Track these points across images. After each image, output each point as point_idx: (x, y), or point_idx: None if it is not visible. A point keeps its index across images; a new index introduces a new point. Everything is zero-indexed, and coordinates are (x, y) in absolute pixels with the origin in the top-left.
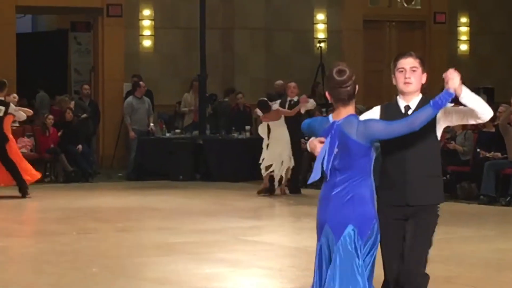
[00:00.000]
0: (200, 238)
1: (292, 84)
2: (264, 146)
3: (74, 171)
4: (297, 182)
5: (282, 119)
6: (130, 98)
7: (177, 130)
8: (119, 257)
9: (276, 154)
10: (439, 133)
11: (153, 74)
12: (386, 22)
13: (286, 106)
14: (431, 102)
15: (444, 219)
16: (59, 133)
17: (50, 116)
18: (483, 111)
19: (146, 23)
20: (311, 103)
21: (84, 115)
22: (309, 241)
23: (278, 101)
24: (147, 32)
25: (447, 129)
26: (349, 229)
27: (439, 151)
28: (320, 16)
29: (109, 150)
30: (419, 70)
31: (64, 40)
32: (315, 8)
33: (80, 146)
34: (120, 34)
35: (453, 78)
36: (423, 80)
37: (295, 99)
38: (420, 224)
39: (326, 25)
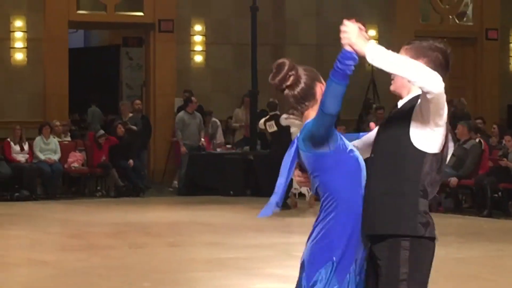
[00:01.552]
0: (251, 253)
1: None
2: None
3: (125, 186)
4: None
5: None
6: (181, 113)
7: (228, 146)
8: (170, 272)
9: None
10: (418, 137)
11: (204, 89)
12: (438, 39)
13: None
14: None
15: (496, 237)
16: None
17: (102, 131)
18: (414, 78)
19: (198, 38)
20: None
21: (133, 127)
22: None
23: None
24: (198, 48)
25: (499, 146)
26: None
27: (413, 162)
28: (372, 32)
29: (160, 164)
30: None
31: (116, 55)
32: (367, 24)
33: (131, 161)
34: (172, 50)
35: (346, 31)
36: None
37: None
38: (381, 272)
39: (377, 42)
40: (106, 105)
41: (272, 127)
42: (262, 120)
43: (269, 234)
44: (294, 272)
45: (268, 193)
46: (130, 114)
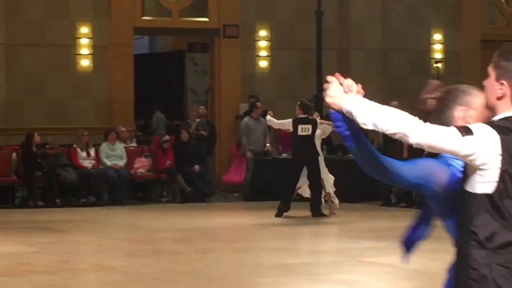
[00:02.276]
0: (318, 258)
1: None
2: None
3: (191, 191)
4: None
5: None
6: (246, 119)
7: None
8: (237, 277)
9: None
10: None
11: (269, 94)
12: (504, 42)
13: None
14: None
15: None
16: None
17: (167, 137)
18: (395, 130)
19: (263, 43)
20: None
21: (203, 132)
22: (429, 263)
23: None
24: (263, 53)
25: None
26: None
27: None
28: (437, 36)
29: (225, 170)
30: (491, 76)
31: (181, 61)
32: (432, 28)
33: (197, 166)
34: (237, 55)
35: (327, 88)
36: (496, 91)
37: None
38: None
39: (443, 45)
40: (171, 111)
41: (306, 131)
42: (289, 120)
43: (336, 239)
44: (361, 278)
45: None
46: (197, 120)
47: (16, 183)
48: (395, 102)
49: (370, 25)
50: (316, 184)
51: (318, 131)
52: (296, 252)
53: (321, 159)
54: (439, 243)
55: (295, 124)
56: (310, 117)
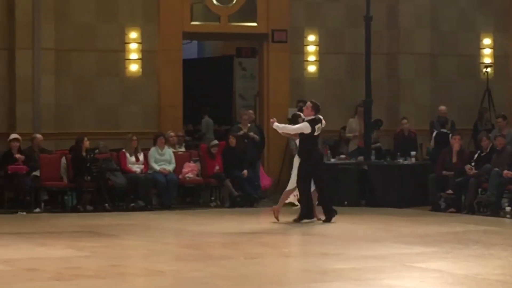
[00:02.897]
0: (366, 264)
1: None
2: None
3: (239, 196)
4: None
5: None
6: None
7: (342, 156)
8: (286, 282)
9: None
10: None
11: (317, 99)
12: None
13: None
14: None
15: None
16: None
17: (215, 141)
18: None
19: (311, 48)
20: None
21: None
22: (478, 268)
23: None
24: (312, 58)
25: None
26: None
27: None
28: (487, 41)
29: (274, 175)
30: None
31: (229, 65)
32: (482, 33)
33: (245, 171)
34: (285, 60)
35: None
36: None
37: None
38: None
39: (492, 50)
40: (220, 116)
41: (319, 131)
42: (305, 124)
43: (385, 244)
44: (411, 283)
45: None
46: (249, 124)
47: (65, 187)
48: (443, 107)
49: (419, 29)
50: (322, 184)
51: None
52: (344, 257)
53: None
54: (488, 249)
55: (312, 125)
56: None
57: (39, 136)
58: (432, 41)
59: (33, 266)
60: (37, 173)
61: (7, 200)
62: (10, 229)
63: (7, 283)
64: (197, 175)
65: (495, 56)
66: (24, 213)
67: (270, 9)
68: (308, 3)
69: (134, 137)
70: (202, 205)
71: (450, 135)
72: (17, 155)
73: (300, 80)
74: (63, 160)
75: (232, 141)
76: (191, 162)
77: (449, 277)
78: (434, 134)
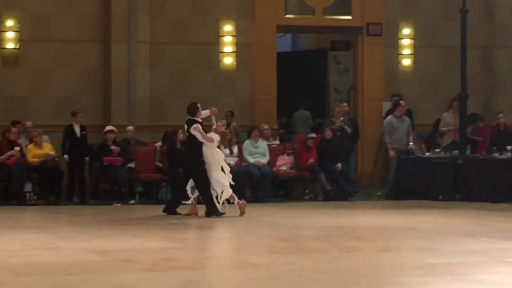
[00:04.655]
0: (462, 259)
1: None
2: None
3: (333, 190)
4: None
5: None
6: (390, 117)
7: (437, 150)
8: (380, 276)
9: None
10: None
11: (412, 93)
12: None
13: None
14: None
15: None
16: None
17: (313, 134)
18: None
19: (406, 41)
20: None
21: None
22: None
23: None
24: (406, 51)
25: None
26: None
27: None
28: None
29: (367, 168)
30: None
31: (323, 59)
32: None
33: (339, 165)
34: (380, 53)
35: None
36: None
37: None
38: None
39: None
40: (314, 109)
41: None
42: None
43: (480, 239)
44: (506, 279)
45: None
46: (341, 118)
47: (160, 179)
48: None
49: None
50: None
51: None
52: (440, 252)
53: None
54: None
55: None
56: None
57: (129, 127)
58: None
59: (128, 257)
60: (132, 164)
61: (102, 192)
62: (105, 220)
63: (103, 273)
64: (291, 168)
65: None
66: (119, 204)
67: (365, 2)
68: None
69: (228, 130)
70: (296, 198)
71: None
72: (113, 147)
73: (394, 74)
74: (157, 150)
75: (328, 134)
76: (285, 155)
77: None
78: None
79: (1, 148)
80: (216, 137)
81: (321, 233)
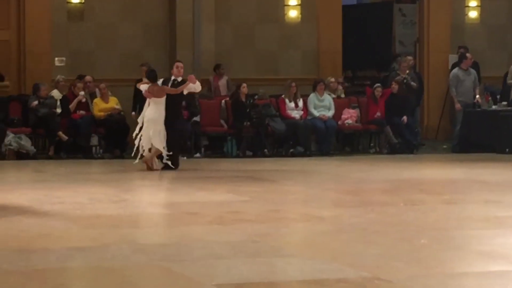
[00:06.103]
0: None
1: (179, 64)
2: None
3: (398, 143)
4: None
5: (164, 98)
6: (456, 70)
7: (504, 103)
8: (446, 229)
9: (157, 133)
10: None
11: (479, 45)
12: None
13: (169, 85)
14: None
15: None
16: None
17: (378, 84)
18: None
19: None
20: (197, 85)
21: (414, 84)
22: None
23: (161, 80)
24: (473, 3)
25: None
26: None
27: None
28: None
29: (433, 121)
30: None
31: (389, 12)
32: None
33: (405, 118)
34: (446, 5)
35: None
36: None
37: (179, 79)
38: None
39: None
40: (379, 62)
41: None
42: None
43: None
44: None
45: None
46: (407, 71)
47: (225, 133)
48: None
49: None
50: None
51: None
52: (506, 205)
53: None
54: None
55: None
56: None
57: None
58: None
59: (194, 210)
60: (197, 118)
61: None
62: (170, 174)
63: (169, 226)
64: (356, 122)
65: None
66: (185, 158)
67: None
68: None
69: (293, 84)
70: (361, 152)
71: None
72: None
73: (460, 26)
74: (223, 105)
75: (395, 87)
76: (351, 108)
77: None
78: None
79: (70, 102)
80: (143, 86)
81: (387, 186)
